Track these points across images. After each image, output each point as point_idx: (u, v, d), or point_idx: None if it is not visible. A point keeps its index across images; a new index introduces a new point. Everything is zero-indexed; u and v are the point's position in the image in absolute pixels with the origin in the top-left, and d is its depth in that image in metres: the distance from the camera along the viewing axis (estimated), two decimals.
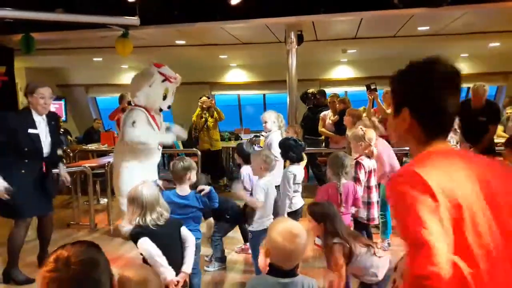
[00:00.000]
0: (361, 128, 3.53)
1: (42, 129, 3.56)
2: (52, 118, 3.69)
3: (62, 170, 3.83)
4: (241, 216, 3.95)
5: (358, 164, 3.40)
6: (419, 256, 0.98)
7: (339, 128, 6.25)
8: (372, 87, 5.76)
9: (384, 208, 3.90)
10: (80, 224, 5.25)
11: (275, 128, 4.54)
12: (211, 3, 4.92)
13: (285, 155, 3.70)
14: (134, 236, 2.40)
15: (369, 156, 3.51)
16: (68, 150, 7.26)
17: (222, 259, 3.92)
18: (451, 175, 1.08)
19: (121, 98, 6.74)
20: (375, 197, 3.46)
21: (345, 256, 2.47)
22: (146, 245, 2.36)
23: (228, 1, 4.57)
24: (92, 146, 7.67)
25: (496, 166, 1.21)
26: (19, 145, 3.44)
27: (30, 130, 3.48)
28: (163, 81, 3.90)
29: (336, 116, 6.26)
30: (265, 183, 3.31)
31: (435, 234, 0.98)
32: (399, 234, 1.09)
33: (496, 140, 5.76)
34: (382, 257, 2.59)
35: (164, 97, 3.95)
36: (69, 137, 8.92)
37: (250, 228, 3.37)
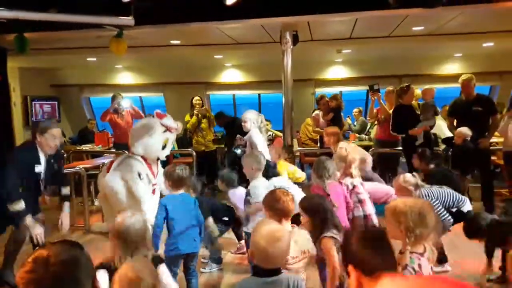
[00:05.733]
0: (345, 149, 3.55)
1: (43, 165, 3.60)
2: (52, 157, 3.69)
3: (65, 216, 3.75)
4: (235, 217, 3.99)
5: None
6: None
7: (333, 125, 6.27)
8: (375, 87, 5.78)
9: None
10: (75, 225, 5.21)
11: (254, 128, 4.51)
12: (206, 3, 4.90)
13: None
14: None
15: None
16: (62, 151, 7.22)
17: (218, 260, 3.92)
18: None
19: (113, 99, 6.71)
20: (370, 209, 3.44)
21: (337, 250, 2.47)
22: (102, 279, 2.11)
23: (223, 1, 4.55)
24: (86, 147, 7.64)
25: None
26: (21, 179, 3.45)
27: (36, 168, 3.52)
28: (164, 131, 3.85)
29: (330, 114, 6.28)
30: (259, 183, 3.36)
31: None
32: None
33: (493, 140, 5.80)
34: None
35: (163, 147, 3.92)
36: (63, 138, 8.87)
37: (245, 229, 3.39)
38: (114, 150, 6.89)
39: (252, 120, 4.49)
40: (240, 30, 6.07)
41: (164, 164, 4.17)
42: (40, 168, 3.55)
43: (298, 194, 3.78)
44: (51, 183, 3.81)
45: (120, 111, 6.68)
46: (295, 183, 4.91)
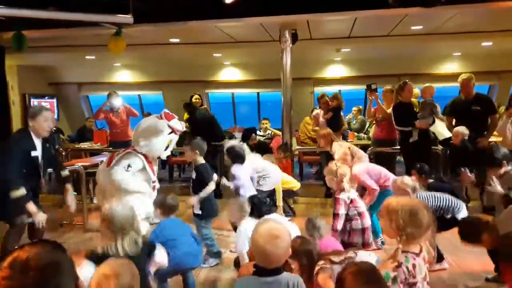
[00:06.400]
0: (335, 164, 3.55)
1: (39, 150, 3.59)
2: (47, 141, 3.69)
3: (70, 198, 3.73)
4: (216, 208, 4.02)
5: (336, 200, 3.43)
6: None
7: (333, 124, 6.28)
8: (373, 87, 5.79)
9: (370, 213, 3.90)
10: (73, 223, 5.21)
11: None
12: (205, 2, 4.90)
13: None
14: (89, 257, 2.18)
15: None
16: (61, 149, 7.21)
17: (217, 255, 3.94)
18: None
19: (108, 97, 6.72)
20: (367, 222, 3.46)
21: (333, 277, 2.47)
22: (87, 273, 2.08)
23: (222, 0, 4.55)
24: (85, 145, 7.61)
25: None
26: (20, 167, 3.45)
27: (33, 153, 3.52)
28: (169, 133, 3.86)
29: (329, 113, 6.29)
30: (247, 227, 3.27)
31: None
32: None
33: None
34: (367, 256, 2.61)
35: (166, 147, 3.93)
36: (61, 135, 8.85)
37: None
38: (111, 148, 6.87)
39: None
40: (239, 29, 6.07)
41: (163, 162, 4.19)
42: (36, 153, 3.54)
43: (292, 229, 3.78)
44: (49, 167, 3.80)
45: (115, 109, 6.68)
46: (290, 191, 4.92)
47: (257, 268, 1.83)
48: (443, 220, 3.45)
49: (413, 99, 5.82)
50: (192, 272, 3.27)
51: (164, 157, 4.00)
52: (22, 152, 3.45)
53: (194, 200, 3.84)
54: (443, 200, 3.54)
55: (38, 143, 3.58)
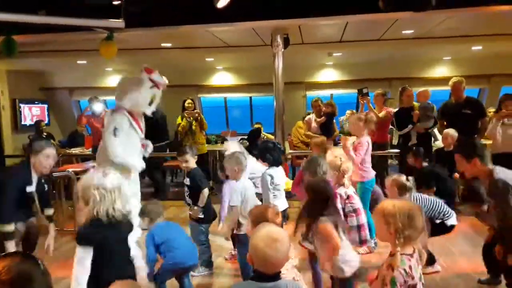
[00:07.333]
0: (340, 158, 3.56)
1: (34, 185, 3.54)
2: (43, 176, 3.64)
3: (50, 239, 3.62)
4: (214, 211, 4.00)
5: None
6: None
7: (325, 129, 6.30)
8: (364, 91, 5.87)
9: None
10: (65, 229, 5.15)
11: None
12: (197, 6, 4.89)
13: (262, 157, 3.81)
14: (85, 237, 2.17)
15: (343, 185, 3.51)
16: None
17: (208, 264, 3.88)
18: None
19: (89, 102, 6.75)
20: (363, 218, 3.46)
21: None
22: (82, 256, 2.14)
23: (214, 4, 4.55)
24: (76, 150, 7.56)
25: None
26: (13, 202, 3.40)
27: (28, 189, 3.47)
28: (151, 87, 3.83)
29: (322, 118, 6.30)
30: (242, 186, 3.36)
31: None
32: None
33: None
34: (355, 255, 2.66)
35: (150, 103, 3.90)
36: (52, 141, 8.77)
37: (236, 232, 3.38)
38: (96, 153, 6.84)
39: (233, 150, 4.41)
40: (231, 33, 6.07)
41: (154, 163, 4.10)
42: (31, 189, 3.49)
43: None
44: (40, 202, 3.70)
45: (96, 114, 6.68)
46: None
47: (256, 273, 1.80)
48: (432, 225, 3.47)
49: (414, 103, 5.89)
50: (189, 277, 3.25)
51: (149, 113, 3.91)
52: (17, 187, 3.40)
53: (196, 210, 3.80)
54: (436, 203, 3.56)
55: (34, 177, 3.52)
